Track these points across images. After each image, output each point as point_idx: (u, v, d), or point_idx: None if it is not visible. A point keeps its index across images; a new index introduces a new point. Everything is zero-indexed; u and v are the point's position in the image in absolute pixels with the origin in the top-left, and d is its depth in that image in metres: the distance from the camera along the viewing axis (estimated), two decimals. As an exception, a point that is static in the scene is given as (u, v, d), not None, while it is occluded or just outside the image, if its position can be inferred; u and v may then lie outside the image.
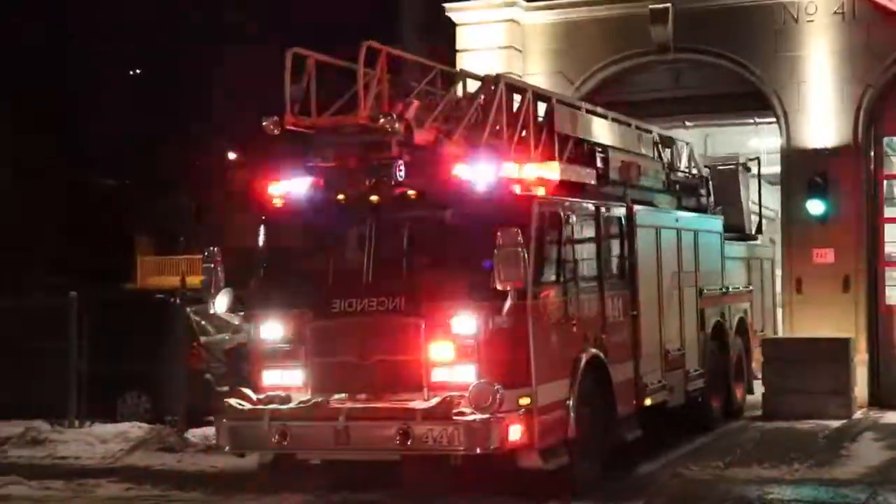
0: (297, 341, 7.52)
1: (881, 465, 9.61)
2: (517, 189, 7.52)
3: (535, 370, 7.11)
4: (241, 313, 8.56)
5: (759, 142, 16.05)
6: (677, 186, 11.39)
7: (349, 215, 7.82)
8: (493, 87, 8.17)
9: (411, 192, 7.44)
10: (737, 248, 12.62)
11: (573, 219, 8.20)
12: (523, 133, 8.36)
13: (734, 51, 13.05)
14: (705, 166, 12.71)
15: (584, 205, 8.63)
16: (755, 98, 13.60)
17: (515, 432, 6.79)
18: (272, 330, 7.74)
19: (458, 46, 13.96)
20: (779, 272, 14.05)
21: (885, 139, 13.51)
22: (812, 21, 12.64)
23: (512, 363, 7.02)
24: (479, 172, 7.31)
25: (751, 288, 13.07)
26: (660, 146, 11.33)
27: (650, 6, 12.99)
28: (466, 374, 6.92)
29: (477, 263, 6.94)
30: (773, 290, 14.25)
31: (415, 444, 6.69)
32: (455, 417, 6.63)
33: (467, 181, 7.34)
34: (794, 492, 8.70)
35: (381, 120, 6.96)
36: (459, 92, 8.51)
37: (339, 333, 7.41)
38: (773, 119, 13.72)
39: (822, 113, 12.93)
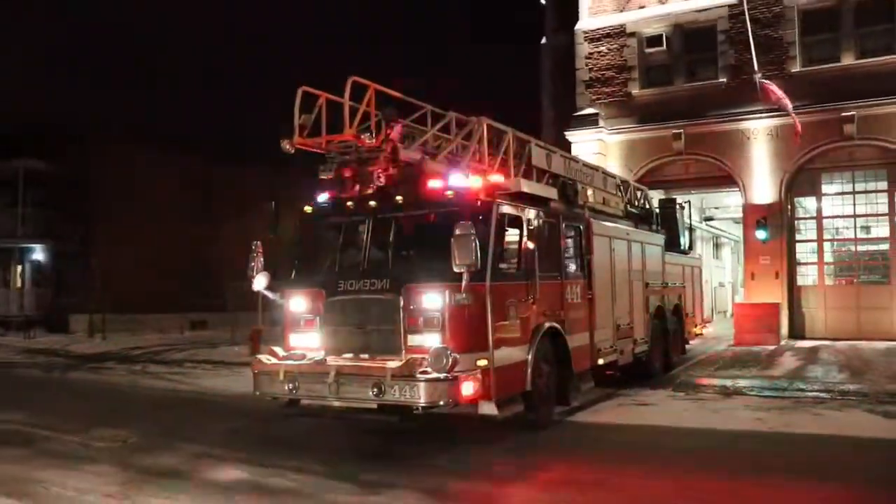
0: (315, 313, 8.75)
1: (795, 368, 14.47)
2: (481, 194, 8.37)
3: (493, 338, 7.92)
4: (276, 293, 9.36)
5: (730, 199, 23.80)
6: (633, 215, 13.88)
7: (353, 217, 8.94)
8: (476, 125, 9.39)
9: (398, 198, 8.48)
10: (674, 258, 15.16)
11: (534, 220, 9.21)
12: (503, 162, 9.53)
13: (717, 153, 20.90)
14: (657, 206, 15.86)
15: (547, 209, 9.75)
16: (727, 178, 21.10)
17: (468, 388, 7.60)
18: (298, 304, 8.96)
19: (571, 151, 20.05)
20: (706, 275, 19.54)
21: (796, 199, 21.03)
22: (757, 139, 20.48)
23: (469, 332, 7.91)
24: (451, 181, 8.32)
25: (684, 285, 15.78)
26: (621, 187, 13.88)
27: (672, 131, 21.20)
28: (433, 341, 7.82)
29: (446, 252, 7.55)
30: (700, 286, 17.71)
31: (386, 396, 7.59)
32: (417, 376, 7.44)
33: (441, 188, 8.33)
34: (750, 382, 12.91)
35: (363, 135, 8.23)
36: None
37: (345, 308, 8.50)
38: (738, 188, 21.03)
39: (763, 185, 20.51)
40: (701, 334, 17.46)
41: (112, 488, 7.02)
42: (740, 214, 21.89)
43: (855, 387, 12.49)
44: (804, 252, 21.32)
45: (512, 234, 8.91)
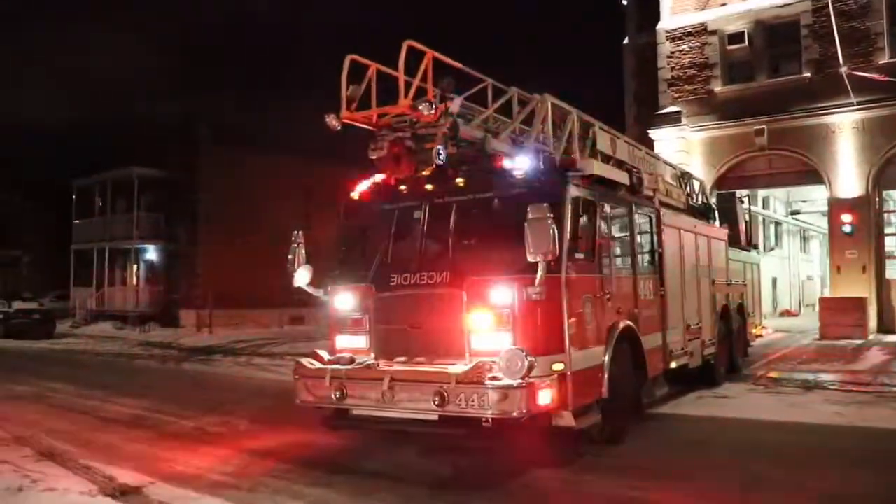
0: (363, 311, 7.92)
1: (881, 363, 14.49)
2: (553, 175, 7.64)
3: (569, 338, 7.09)
4: (321, 289, 8.51)
5: (817, 192, 23.49)
6: (693, 209, 13.04)
7: (407, 202, 8.16)
8: (539, 103, 8.39)
9: (459, 180, 7.70)
10: (736, 254, 14.04)
11: (607, 207, 8.41)
12: (567, 146, 8.54)
13: (801, 148, 20.82)
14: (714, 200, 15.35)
15: (618, 197, 8.94)
16: (812, 172, 21.06)
17: (545, 397, 6.70)
18: (344, 301, 8.11)
19: (655, 148, 20.46)
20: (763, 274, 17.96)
21: (884, 191, 20.84)
22: (842, 132, 20.30)
23: (545, 331, 7.00)
24: (518, 161, 7.48)
25: (745, 283, 14.58)
26: (681, 179, 13.03)
27: (754, 127, 21.25)
28: (502, 342, 6.86)
29: (515, 240, 6.78)
30: (759, 285, 16.33)
31: (449, 406, 6.60)
32: (487, 382, 6.50)
33: (509, 168, 7.49)
34: (833, 376, 13.02)
35: (420, 107, 7.01)
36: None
37: (396, 304, 7.63)
38: (823, 183, 20.96)
39: (848, 178, 20.35)
40: (760, 335, 16.31)
41: (228, 468, 7.97)
42: (827, 208, 21.82)
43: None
44: (894, 246, 21.13)
45: (585, 222, 7.91)
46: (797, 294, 32.03)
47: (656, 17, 23.62)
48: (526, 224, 6.65)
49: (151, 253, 37.81)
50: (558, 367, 7.05)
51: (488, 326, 7.13)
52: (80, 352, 25.66)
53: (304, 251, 8.53)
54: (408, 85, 7.41)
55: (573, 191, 7.68)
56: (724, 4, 22.39)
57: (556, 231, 6.62)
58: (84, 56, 61.77)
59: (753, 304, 15.44)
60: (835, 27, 19.66)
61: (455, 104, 7.56)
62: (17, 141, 45.28)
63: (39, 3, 62.00)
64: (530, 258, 6.68)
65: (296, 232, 8.70)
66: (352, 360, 7.72)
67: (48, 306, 35.81)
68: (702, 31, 22.74)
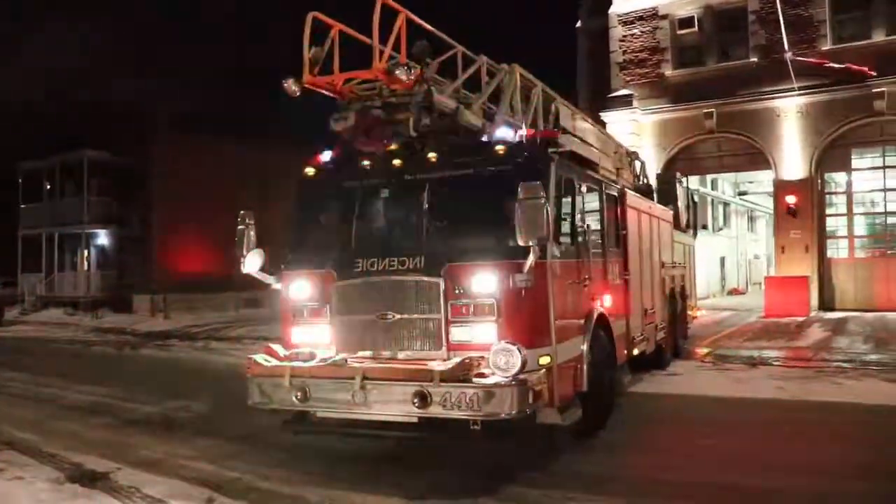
0: (323, 300, 7.05)
1: (821, 339, 15.29)
2: (537, 150, 7.04)
3: (555, 329, 6.52)
4: (273, 275, 7.53)
5: (764, 174, 24.28)
6: (640, 188, 12.55)
7: (372, 179, 7.33)
8: (508, 74, 8.00)
9: (432, 155, 6.96)
10: (677, 236, 13.53)
11: (583, 186, 7.83)
12: (533, 120, 8.20)
13: (748, 131, 21.51)
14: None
15: (593, 175, 8.51)
16: (759, 154, 21.79)
17: (536, 394, 6.11)
18: (300, 289, 7.23)
19: (606, 129, 20.49)
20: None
21: (826, 174, 21.63)
22: (787, 116, 21.00)
23: (532, 322, 6.44)
24: (500, 135, 7.01)
25: (685, 265, 14.28)
26: (627, 158, 12.48)
27: (703, 110, 21.82)
28: (486, 334, 6.33)
29: (497, 222, 6.49)
30: (694, 266, 15.67)
31: (432, 407, 5.91)
32: (475, 380, 5.91)
33: (487, 142, 6.98)
34: (777, 353, 13.67)
35: (397, 71, 6.45)
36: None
37: (362, 292, 6.85)
38: (769, 168, 21.98)
39: (793, 161, 21.08)
40: (696, 317, 15.82)
41: (192, 452, 8.09)
42: (772, 189, 22.58)
43: (877, 357, 13.14)
44: (835, 226, 21.81)
45: (567, 203, 7.51)
46: (745, 273, 32.95)
47: (608, 2, 23.93)
48: (517, 204, 6.06)
49: (103, 238, 37.22)
50: (545, 360, 6.48)
51: (470, 317, 6.50)
52: (32, 339, 25.24)
53: (253, 234, 7.52)
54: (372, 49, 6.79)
55: (557, 168, 7.12)
56: (674, -11, 22.80)
57: (549, 212, 6.12)
58: (34, 35, 60.06)
59: (690, 286, 15.14)
60: (780, 14, 20.25)
61: (431, 68, 7.09)
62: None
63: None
64: (521, 241, 6.09)
65: (242, 212, 7.60)
66: (312, 356, 6.84)
67: (-5, 293, 35.09)
68: (653, 15, 23.17)
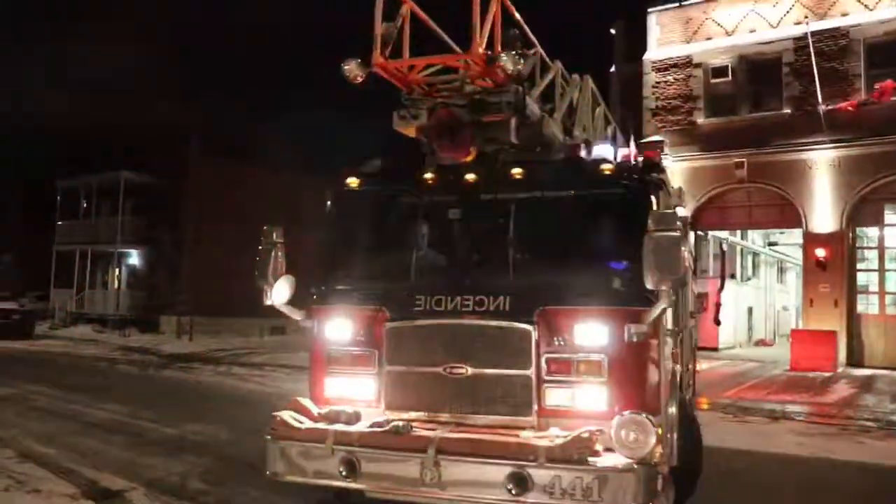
0: (370, 344, 5.67)
1: (847, 396, 14.93)
2: (644, 172, 5.76)
3: (663, 392, 5.44)
4: (303, 311, 6.06)
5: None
6: None
7: (439, 196, 5.94)
8: (584, 85, 7.38)
9: (517, 171, 5.68)
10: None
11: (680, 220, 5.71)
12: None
13: (779, 182, 21.40)
14: None
15: (683, 212, 7.07)
16: (789, 206, 21.60)
17: (665, 478, 5.01)
18: (339, 330, 5.82)
19: None
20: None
21: (857, 229, 21.41)
22: (819, 169, 20.91)
23: (648, 384, 5.26)
24: (597, 152, 5.92)
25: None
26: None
27: (734, 160, 21.83)
28: (593, 399, 5.13)
29: (601, 256, 5.43)
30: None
31: (533, 494, 4.67)
32: (592, 460, 4.66)
33: (590, 160, 5.81)
34: (800, 407, 13.36)
35: (503, 58, 5.40)
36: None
37: (424, 337, 5.51)
38: (800, 227, 21.43)
39: (824, 214, 20.91)
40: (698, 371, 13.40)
41: (209, 476, 8.16)
42: (802, 241, 22.42)
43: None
44: (866, 282, 21.57)
45: None
46: (772, 324, 32.50)
47: (643, 47, 24.13)
48: (647, 238, 4.95)
49: (134, 257, 37.86)
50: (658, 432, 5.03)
51: (571, 376, 5.25)
52: (59, 354, 25.62)
53: (282, 255, 6.05)
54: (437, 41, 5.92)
55: (663, 197, 5.87)
56: (709, 38, 22.97)
57: (685, 251, 5.12)
58: (78, 57, 61.75)
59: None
60: (815, 66, 20.24)
61: (527, 64, 6.05)
62: (3, 140, 45.10)
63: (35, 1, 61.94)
64: (651, 283, 4.95)
65: (267, 228, 6.11)
66: (357, 417, 5.55)
67: (27, 307, 35.69)
68: (687, 63, 23.30)
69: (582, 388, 5.25)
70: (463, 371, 5.42)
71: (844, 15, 21.02)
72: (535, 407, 5.30)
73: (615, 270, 5.44)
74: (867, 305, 21.48)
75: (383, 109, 6.43)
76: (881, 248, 21.53)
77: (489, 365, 5.39)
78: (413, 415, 5.52)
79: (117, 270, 37.97)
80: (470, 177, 5.88)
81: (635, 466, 4.68)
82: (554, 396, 5.30)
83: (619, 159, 6.31)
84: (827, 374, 18.55)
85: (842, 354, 20.37)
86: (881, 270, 21.45)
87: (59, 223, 40.36)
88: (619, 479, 4.65)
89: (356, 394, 5.81)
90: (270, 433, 5.50)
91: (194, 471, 8.40)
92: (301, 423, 5.52)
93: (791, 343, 21.04)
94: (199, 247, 33.68)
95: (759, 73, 22.40)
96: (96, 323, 35.91)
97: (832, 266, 20.86)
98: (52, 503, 6.96)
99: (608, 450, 4.82)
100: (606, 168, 5.65)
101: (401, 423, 5.27)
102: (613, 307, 5.27)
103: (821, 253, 20.89)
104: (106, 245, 36.96)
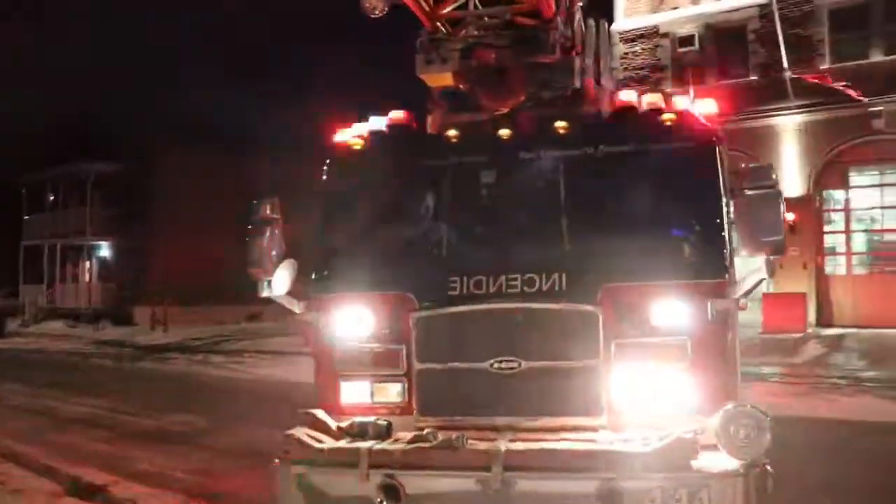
0: (395, 338, 4.67)
1: (817, 356, 15.57)
2: (711, 124, 4.75)
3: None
4: (303, 301, 4.95)
5: None
6: None
7: (469, 157, 4.94)
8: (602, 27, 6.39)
9: (560, 124, 4.76)
10: None
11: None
12: None
13: (748, 148, 19.24)
14: None
15: None
16: None
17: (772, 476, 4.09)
18: (354, 322, 4.78)
19: None
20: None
21: (824, 192, 21.54)
22: (787, 134, 21.01)
23: (731, 370, 4.50)
24: (647, 100, 4.77)
25: None
26: None
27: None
28: (676, 390, 4.31)
29: (673, 220, 4.56)
30: None
31: None
32: (697, 465, 3.89)
33: (646, 109, 4.74)
34: (772, 369, 13.69)
35: None
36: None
37: (463, 327, 4.56)
38: None
39: (792, 179, 20.82)
40: None
41: (191, 465, 8.14)
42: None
43: (871, 373, 13.23)
44: (833, 243, 21.87)
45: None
46: (744, 289, 32.78)
47: (610, 19, 24.12)
48: (740, 198, 4.39)
49: (105, 249, 37.40)
50: None
51: (648, 363, 4.41)
52: (33, 351, 25.38)
53: (279, 235, 5.02)
54: None
55: (726, 151, 4.91)
56: (675, 8, 23.00)
57: (782, 210, 4.40)
58: (39, 49, 60.46)
59: None
60: (780, 33, 20.36)
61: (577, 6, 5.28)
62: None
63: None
64: (747, 250, 4.42)
65: (259, 201, 5.13)
66: (389, 429, 4.53)
67: (-3, 304, 35.24)
68: (654, 33, 23.32)
69: (661, 377, 4.40)
70: (515, 366, 4.45)
71: (807, -20, 21.10)
72: (606, 403, 4.41)
73: (685, 237, 4.61)
74: (835, 267, 21.80)
75: (364, 99, 6.08)
76: (847, 211, 21.82)
77: (546, 357, 4.46)
78: (456, 421, 4.53)
79: (88, 263, 37.48)
80: (503, 132, 4.91)
81: (747, 469, 3.94)
82: (628, 389, 4.43)
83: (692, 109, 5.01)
84: (797, 335, 18.85)
85: (811, 316, 20.67)
86: (847, 232, 21.73)
87: (26, 217, 39.71)
88: (731, 484, 3.89)
89: (380, 400, 4.78)
90: (282, 456, 4.38)
91: (177, 462, 8.37)
92: (321, 441, 4.42)
93: (762, 306, 21.28)
94: (171, 236, 33.29)
95: (725, 41, 22.49)
96: (69, 317, 35.49)
97: (801, 229, 20.93)
98: (36, 502, 6.88)
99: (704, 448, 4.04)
100: (667, 118, 4.69)
101: (454, 435, 4.21)
102: (695, 281, 4.39)
103: (790, 217, 20.93)
104: (75, 238, 36.47)
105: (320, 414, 4.66)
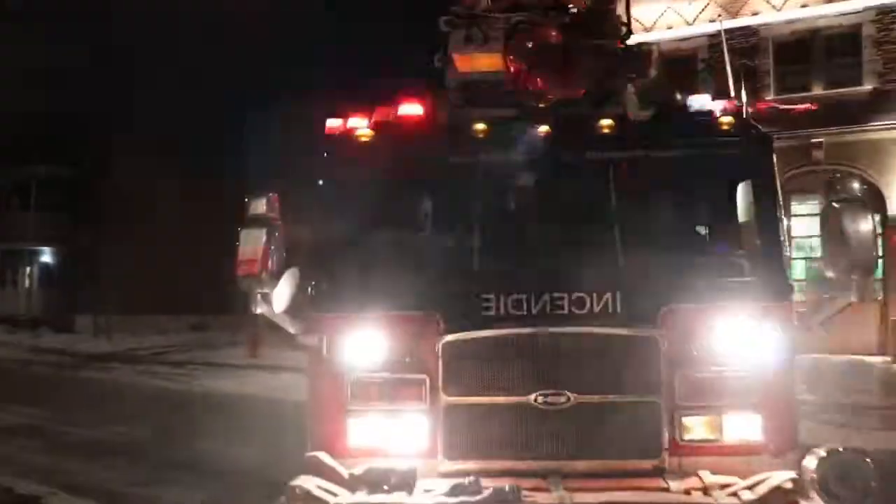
0: (417, 367, 4.02)
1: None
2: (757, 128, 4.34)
3: None
4: (303, 321, 4.25)
5: None
6: None
7: (500, 154, 4.30)
8: None
9: (606, 123, 4.20)
10: None
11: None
12: None
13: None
14: None
15: None
16: None
17: None
18: (367, 346, 4.07)
19: None
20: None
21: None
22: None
23: (795, 406, 4.15)
24: (694, 103, 4.36)
25: None
26: None
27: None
28: (746, 427, 3.90)
29: (733, 235, 4.24)
30: None
31: None
32: None
33: (700, 109, 4.31)
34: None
35: None
36: None
37: (501, 355, 3.94)
38: None
39: None
40: None
41: (130, 478, 7.98)
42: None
43: (807, 397, 13.60)
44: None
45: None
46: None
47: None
48: (832, 211, 3.94)
49: (48, 255, 36.48)
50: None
51: (716, 397, 3.97)
52: (-34, 357, 24.53)
53: (279, 239, 4.22)
54: None
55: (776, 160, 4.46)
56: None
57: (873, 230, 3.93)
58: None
59: None
60: (727, 63, 20.84)
61: None
62: None
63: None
64: (836, 272, 3.91)
65: (254, 198, 4.32)
66: (413, 476, 3.81)
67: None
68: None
69: (730, 412, 3.96)
70: (563, 400, 3.89)
71: (755, 14, 21.81)
72: (667, 443, 3.92)
73: (754, 254, 4.17)
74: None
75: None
76: (789, 238, 22.38)
77: (600, 389, 3.92)
78: (491, 465, 3.91)
79: (29, 268, 36.49)
80: (542, 129, 4.32)
81: None
82: (692, 427, 3.96)
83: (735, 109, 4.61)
84: None
85: None
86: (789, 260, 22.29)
87: (-36, 221, 38.48)
88: None
89: (399, 440, 4.05)
90: None
91: (116, 473, 8.22)
92: (335, 494, 3.71)
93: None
94: (119, 243, 32.58)
95: (676, 68, 23.04)
96: (6, 323, 34.40)
97: None
98: (-34, 515, 6.69)
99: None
100: (725, 121, 4.29)
101: (506, 487, 3.59)
102: (771, 303, 3.99)
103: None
104: (16, 243, 35.48)
105: (326, 458, 3.94)
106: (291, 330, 4.32)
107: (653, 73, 4.24)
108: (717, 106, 4.44)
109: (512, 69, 4.51)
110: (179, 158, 32.33)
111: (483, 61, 4.56)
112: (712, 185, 4.41)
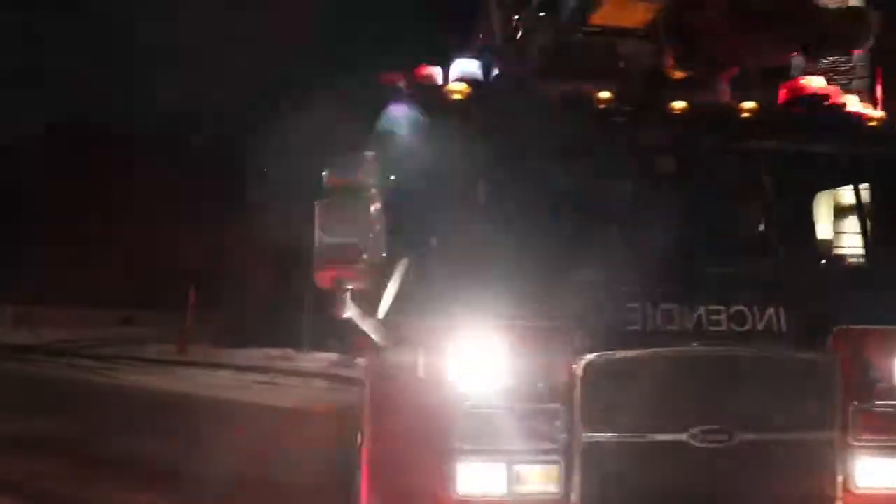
0: (548, 395, 3.25)
1: None
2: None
3: None
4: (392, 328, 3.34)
5: None
6: None
7: (631, 133, 3.63)
8: None
9: (748, 104, 3.67)
10: None
11: None
12: None
13: None
14: None
15: None
16: None
17: None
18: (479, 367, 3.25)
19: None
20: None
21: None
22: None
23: None
24: (851, 102, 3.89)
25: None
26: None
27: None
28: None
29: (888, 237, 3.75)
30: None
31: None
32: None
33: (844, 107, 3.84)
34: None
35: None
36: None
37: (652, 381, 3.29)
38: None
39: None
40: None
41: (63, 473, 7.77)
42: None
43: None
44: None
45: None
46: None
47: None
48: None
49: (-35, 242, 34.96)
50: None
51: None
52: None
53: (380, 216, 3.29)
54: None
55: None
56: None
57: None
58: None
59: None
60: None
61: None
62: None
63: None
64: None
65: (347, 156, 3.41)
66: None
67: None
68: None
69: None
70: (724, 438, 3.26)
71: None
72: (840, 491, 3.37)
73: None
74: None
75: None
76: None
77: (768, 425, 3.32)
78: None
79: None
80: (677, 105, 3.66)
81: None
82: (871, 471, 3.39)
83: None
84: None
85: None
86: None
87: None
88: None
89: (523, 490, 3.26)
90: None
91: (40, 469, 7.95)
92: None
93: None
94: (41, 230, 31.55)
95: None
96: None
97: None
98: None
99: None
100: (876, 118, 3.89)
101: None
102: None
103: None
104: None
105: None
106: (380, 342, 3.44)
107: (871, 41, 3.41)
108: (861, 106, 4.00)
109: (684, 27, 3.55)
110: (118, 141, 31.49)
111: (633, 14, 3.67)
112: (872, 188, 3.97)
